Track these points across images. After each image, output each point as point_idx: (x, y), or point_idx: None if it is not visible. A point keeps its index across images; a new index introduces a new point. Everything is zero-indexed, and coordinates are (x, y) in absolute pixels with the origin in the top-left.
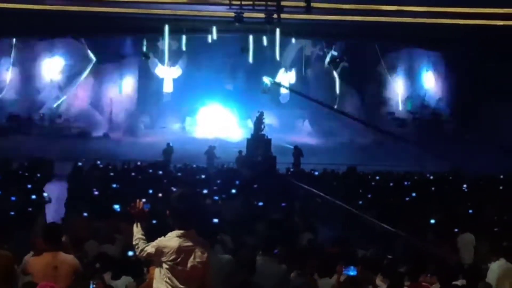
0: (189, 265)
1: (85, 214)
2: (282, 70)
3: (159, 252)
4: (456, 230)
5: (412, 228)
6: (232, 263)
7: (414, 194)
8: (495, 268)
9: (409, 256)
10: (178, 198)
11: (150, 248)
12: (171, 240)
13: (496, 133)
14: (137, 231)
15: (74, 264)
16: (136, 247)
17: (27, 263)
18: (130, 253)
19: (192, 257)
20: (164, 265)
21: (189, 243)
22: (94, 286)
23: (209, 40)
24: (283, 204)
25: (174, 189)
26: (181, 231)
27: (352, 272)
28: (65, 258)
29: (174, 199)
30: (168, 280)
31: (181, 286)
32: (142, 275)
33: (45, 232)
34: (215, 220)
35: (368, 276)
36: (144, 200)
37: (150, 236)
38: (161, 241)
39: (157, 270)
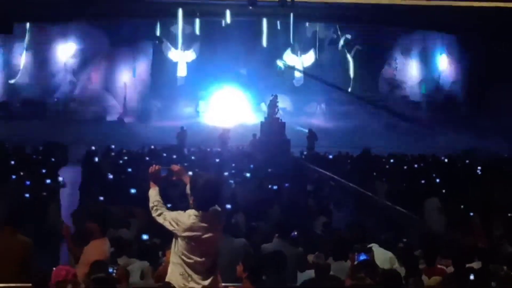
0: (202, 244)
1: (101, 198)
2: (295, 54)
3: (176, 224)
4: (471, 214)
5: (427, 212)
6: (247, 247)
7: (427, 177)
8: None
9: (423, 240)
10: (204, 183)
11: (168, 217)
12: (188, 217)
13: (509, 117)
14: (155, 194)
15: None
16: (155, 209)
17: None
18: (145, 237)
19: (205, 235)
20: (180, 239)
21: (204, 224)
22: (114, 271)
23: (223, 24)
24: (298, 188)
25: (190, 173)
26: (199, 211)
27: (363, 257)
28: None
29: (199, 183)
30: (182, 255)
31: (196, 259)
32: (158, 259)
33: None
34: (228, 206)
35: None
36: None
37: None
38: (179, 213)
39: (172, 243)
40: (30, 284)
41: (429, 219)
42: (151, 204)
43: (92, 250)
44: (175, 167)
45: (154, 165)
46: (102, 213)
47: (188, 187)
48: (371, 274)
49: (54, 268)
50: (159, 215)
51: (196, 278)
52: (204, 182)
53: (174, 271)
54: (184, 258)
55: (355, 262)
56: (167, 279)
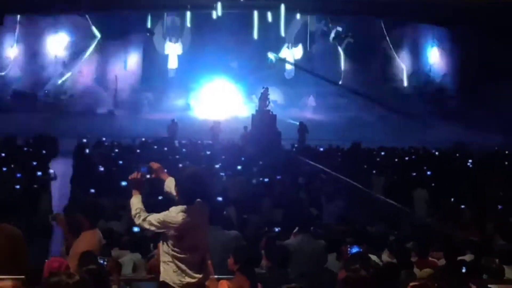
0: (193, 238)
1: (92, 190)
2: (286, 46)
3: (165, 226)
4: (462, 206)
5: (418, 204)
6: (239, 239)
7: (420, 170)
8: None
9: (414, 232)
10: (190, 176)
11: (154, 220)
12: (176, 214)
13: (501, 110)
14: (137, 202)
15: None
16: (138, 215)
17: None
18: (136, 229)
19: (196, 230)
20: (170, 238)
21: (192, 218)
22: (105, 263)
23: (214, 16)
24: (289, 180)
25: (180, 165)
26: (185, 206)
27: (356, 249)
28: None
29: (185, 177)
30: (173, 252)
31: (188, 254)
32: (149, 251)
33: (88, 208)
34: (219, 199)
35: (372, 253)
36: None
37: (156, 212)
38: (166, 215)
39: (160, 244)
40: (22, 277)
41: (419, 211)
42: (133, 212)
43: (82, 242)
44: (154, 165)
45: (135, 172)
46: (90, 206)
47: (166, 184)
48: (365, 266)
49: (46, 261)
50: (144, 220)
51: (190, 273)
52: (189, 175)
53: (168, 270)
54: (176, 255)
55: (348, 255)
56: (161, 279)
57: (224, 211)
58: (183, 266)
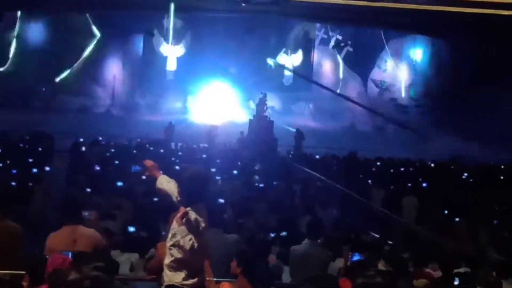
0: (198, 240)
1: (88, 189)
2: (286, 53)
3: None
4: (456, 219)
5: (412, 215)
6: (239, 243)
7: (414, 181)
8: None
9: (409, 243)
10: (190, 176)
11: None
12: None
13: (498, 124)
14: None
15: (94, 237)
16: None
17: (48, 238)
18: (131, 229)
19: (202, 232)
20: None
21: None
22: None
23: (214, 19)
24: (284, 186)
25: (177, 168)
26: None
27: (357, 257)
28: (84, 231)
29: (185, 177)
30: (176, 255)
31: (193, 256)
32: (146, 252)
33: (64, 206)
34: (221, 200)
35: (374, 262)
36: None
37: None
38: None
39: (161, 245)
40: (23, 272)
41: (413, 221)
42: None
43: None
44: (148, 162)
45: (147, 160)
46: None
47: (158, 181)
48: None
49: (47, 257)
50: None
51: (191, 274)
52: (192, 175)
53: (173, 272)
54: (182, 257)
55: (349, 262)
56: (168, 282)
57: (225, 214)
58: (186, 268)
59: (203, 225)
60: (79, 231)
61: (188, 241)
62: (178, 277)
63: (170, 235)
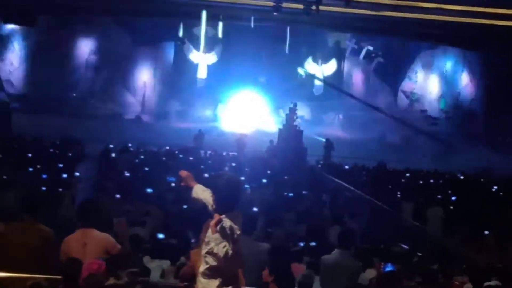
0: (230, 247)
1: (118, 196)
2: (316, 62)
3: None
4: (485, 232)
5: (440, 227)
6: (269, 252)
7: (443, 193)
8: None
9: (438, 255)
10: (225, 183)
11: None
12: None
13: None
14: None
15: (105, 241)
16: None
17: (63, 241)
18: (160, 236)
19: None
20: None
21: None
22: None
23: (246, 28)
24: (313, 196)
25: (206, 175)
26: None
27: (389, 268)
28: (95, 235)
29: (220, 184)
30: (211, 262)
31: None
32: (177, 259)
33: (78, 209)
34: (254, 209)
35: (406, 273)
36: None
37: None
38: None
39: (196, 252)
40: (59, 276)
41: (441, 233)
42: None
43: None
44: (184, 173)
45: (182, 170)
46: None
47: (194, 190)
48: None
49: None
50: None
51: (226, 282)
52: (227, 182)
53: (210, 281)
54: (218, 264)
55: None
56: None
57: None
58: (220, 276)
59: (238, 232)
60: (91, 234)
61: (222, 248)
62: (212, 284)
63: (204, 243)
